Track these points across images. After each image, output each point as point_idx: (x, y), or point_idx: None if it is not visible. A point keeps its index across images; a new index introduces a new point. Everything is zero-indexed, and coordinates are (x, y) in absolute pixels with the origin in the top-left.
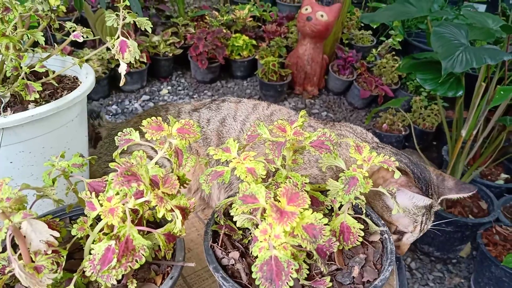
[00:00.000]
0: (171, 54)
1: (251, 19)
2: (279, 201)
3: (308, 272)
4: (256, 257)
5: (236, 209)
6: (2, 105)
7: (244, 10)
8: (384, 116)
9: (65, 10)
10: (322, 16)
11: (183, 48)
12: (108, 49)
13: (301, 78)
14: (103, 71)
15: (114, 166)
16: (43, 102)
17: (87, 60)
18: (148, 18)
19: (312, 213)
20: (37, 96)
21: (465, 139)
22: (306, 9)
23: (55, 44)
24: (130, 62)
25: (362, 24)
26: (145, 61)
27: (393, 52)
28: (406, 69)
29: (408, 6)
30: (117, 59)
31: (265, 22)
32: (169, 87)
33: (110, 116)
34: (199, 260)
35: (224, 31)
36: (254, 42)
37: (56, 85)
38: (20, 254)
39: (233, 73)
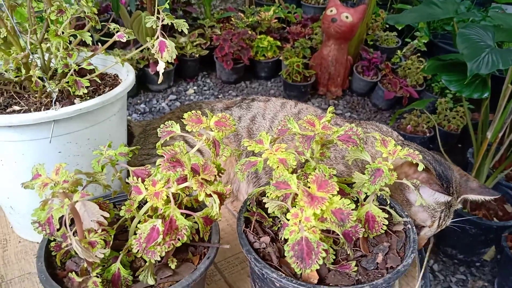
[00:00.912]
0: (197, 55)
1: (275, 20)
2: (310, 188)
3: (334, 258)
4: (286, 241)
5: (270, 194)
6: (54, 100)
7: (269, 12)
8: (408, 118)
9: (96, 12)
10: (347, 17)
11: (209, 49)
12: (137, 48)
13: (325, 79)
14: None
15: (161, 153)
16: (87, 98)
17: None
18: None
19: (340, 198)
20: (85, 91)
21: (490, 142)
22: (331, 11)
23: (99, 43)
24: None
25: (387, 26)
26: (173, 61)
27: (418, 54)
28: (431, 71)
29: (433, 8)
30: (147, 59)
31: (290, 24)
32: (195, 87)
33: (138, 115)
34: (229, 248)
35: (249, 32)
36: (278, 43)
37: (99, 81)
38: (74, 232)
39: (257, 74)
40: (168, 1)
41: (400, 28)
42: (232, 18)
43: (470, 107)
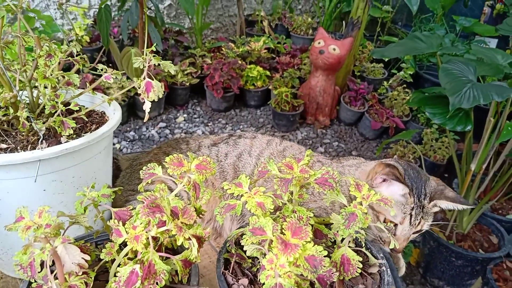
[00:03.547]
0: (188, 84)
1: (265, 50)
2: (285, 234)
3: None
4: (264, 284)
5: (247, 240)
6: (40, 139)
7: (259, 42)
8: (394, 148)
9: (88, 40)
10: (334, 49)
11: (199, 78)
12: (128, 77)
13: (313, 109)
14: (122, 98)
15: (141, 199)
16: (74, 135)
17: (108, 88)
18: (167, 48)
19: (313, 245)
20: (72, 132)
21: (475, 173)
22: (319, 43)
23: (87, 83)
24: None
25: (374, 57)
26: (163, 90)
27: (404, 85)
28: (415, 103)
29: (418, 42)
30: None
31: (279, 54)
32: (185, 115)
33: (127, 142)
34: (211, 286)
35: (240, 62)
36: (268, 73)
37: (86, 119)
38: (55, 275)
39: (247, 102)
40: (142, 29)
41: (386, 59)
42: (223, 48)
43: (455, 138)
